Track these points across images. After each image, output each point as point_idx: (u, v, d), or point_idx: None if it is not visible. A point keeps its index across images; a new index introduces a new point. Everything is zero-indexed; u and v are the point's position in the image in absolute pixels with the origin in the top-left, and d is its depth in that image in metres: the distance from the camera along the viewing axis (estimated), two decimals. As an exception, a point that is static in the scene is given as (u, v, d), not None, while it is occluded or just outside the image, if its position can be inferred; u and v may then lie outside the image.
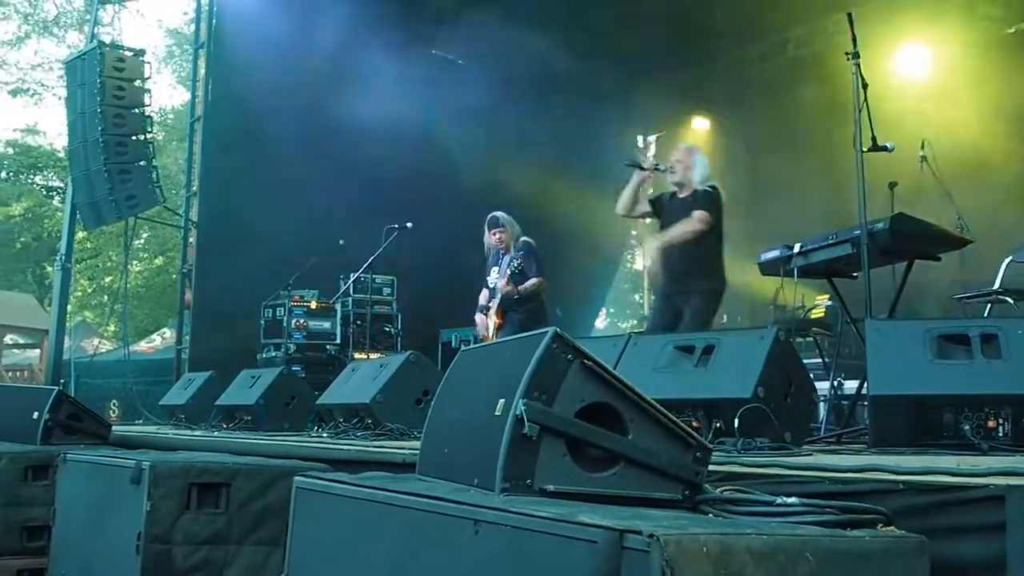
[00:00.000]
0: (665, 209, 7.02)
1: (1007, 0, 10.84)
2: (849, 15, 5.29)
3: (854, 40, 5.22)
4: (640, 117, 15.17)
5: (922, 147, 7.32)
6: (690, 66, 13.92)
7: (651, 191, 7.49)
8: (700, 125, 15.16)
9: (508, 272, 7.71)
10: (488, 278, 8.21)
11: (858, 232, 4.99)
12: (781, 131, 13.09)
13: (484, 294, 8.25)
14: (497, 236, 8.04)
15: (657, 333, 6.15)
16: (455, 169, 12.76)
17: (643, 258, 7.19)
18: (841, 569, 1.82)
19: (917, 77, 11.37)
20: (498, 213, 8.15)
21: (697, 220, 6.61)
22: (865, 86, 5.18)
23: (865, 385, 4.21)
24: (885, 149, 5.22)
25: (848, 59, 5.24)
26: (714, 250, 6.81)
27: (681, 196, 6.88)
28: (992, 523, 2.20)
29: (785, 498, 2.13)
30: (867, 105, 5.16)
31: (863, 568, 1.87)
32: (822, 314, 8.96)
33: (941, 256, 5.44)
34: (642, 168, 6.95)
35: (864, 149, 5.14)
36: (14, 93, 27.35)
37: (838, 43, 8.00)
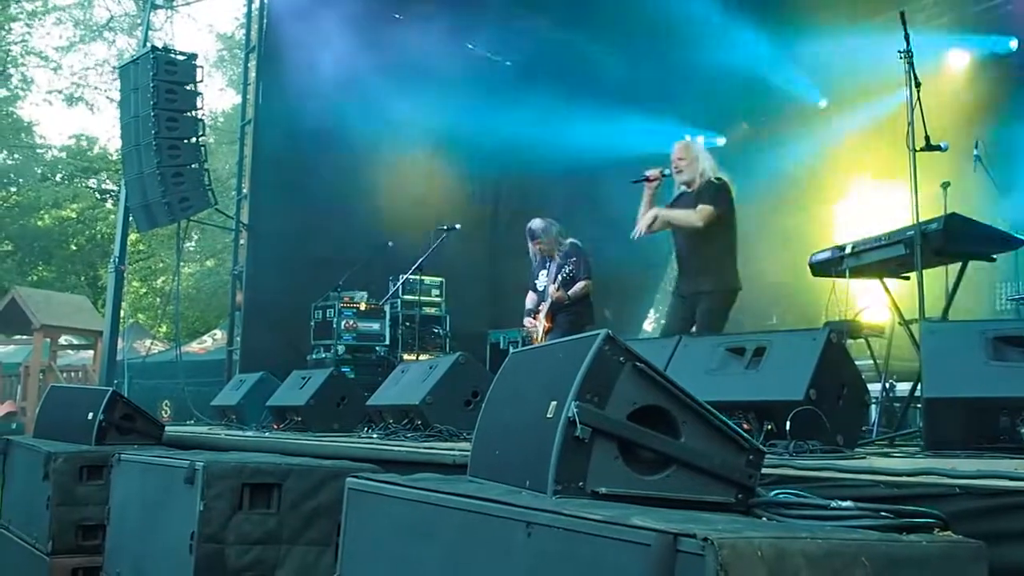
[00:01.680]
0: (675, 208, 6.87)
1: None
2: (902, 13, 5.23)
3: (907, 38, 5.17)
4: (691, 118, 15.12)
5: (976, 146, 7.22)
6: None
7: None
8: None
9: (559, 279, 7.71)
10: (536, 281, 8.21)
11: (911, 232, 4.93)
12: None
13: (531, 297, 8.25)
14: (537, 247, 8.08)
15: (671, 335, 6.12)
16: (503, 170, 12.79)
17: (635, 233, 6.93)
18: (898, 574, 1.80)
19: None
20: (533, 224, 8.15)
21: (698, 214, 6.47)
22: (918, 85, 5.12)
23: (918, 387, 4.17)
24: (939, 148, 5.16)
25: (900, 57, 5.19)
26: (726, 248, 6.65)
27: (689, 191, 6.73)
28: (1051, 528, 2.17)
29: (839, 502, 2.12)
30: (920, 104, 5.10)
31: (920, 573, 1.85)
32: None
33: (995, 257, 5.36)
34: (649, 180, 6.81)
35: (917, 148, 5.08)
36: (68, 99, 27.77)
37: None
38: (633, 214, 6.74)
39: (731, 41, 11.97)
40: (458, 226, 9.22)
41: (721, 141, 15.57)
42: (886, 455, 3.79)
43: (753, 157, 14.10)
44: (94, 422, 5.58)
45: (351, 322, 10.07)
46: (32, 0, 26.51)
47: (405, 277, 9.98)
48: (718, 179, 6.59)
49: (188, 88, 10.52)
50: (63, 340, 15.67)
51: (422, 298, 10.59)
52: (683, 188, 6.78)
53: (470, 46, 13.06)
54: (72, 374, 14.78)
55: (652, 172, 6.84)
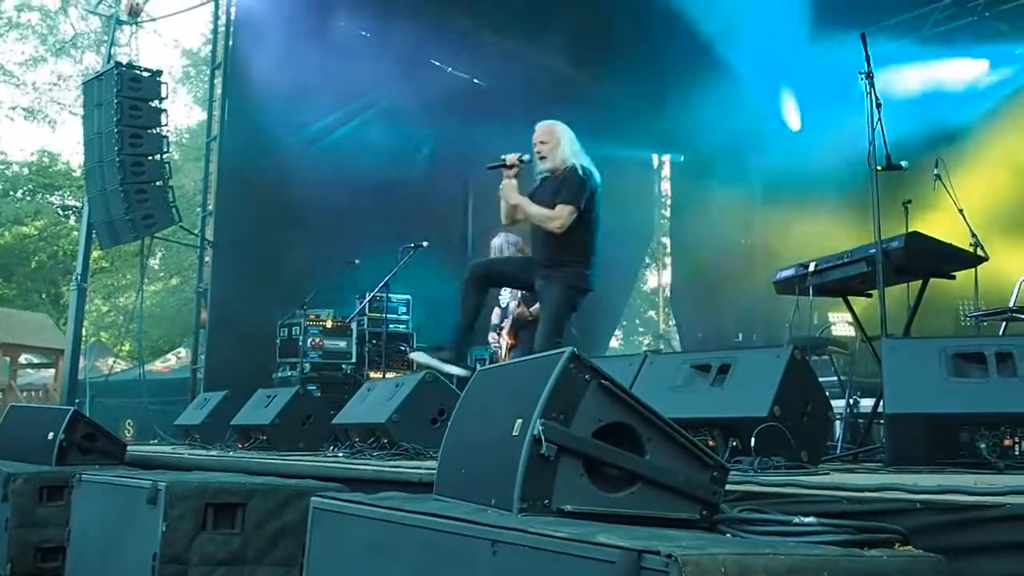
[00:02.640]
0: (536, 197, 6.18)
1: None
2: (862, 35, 5.30)
3: (867, 59, 5.23)
4: (658, 137, 15.24)
5: (936, 165, 7.30)
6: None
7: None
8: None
9: (520, 295, 7.71)
10: (500, 297, 8.23)
11: (873, 250, 4.98)
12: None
13: (496, 312, 8.27)
14: None
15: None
16: (470, 187, 12.81)
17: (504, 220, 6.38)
18: (859, 589, 1.82)
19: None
20: (492, 242, 8.17)
21: (556, 218, 5.87)
22: (879, 105, 5.18)
23: (881, 403, 4.21)
24: (899, 168, 5.22)
25: (861, 78, 5.25)
26: (583, 239, 6.06)
27: (552, 178, 6.11)
28: (1010, 542, 2.19)
29: (802, 517, 2.14)
30: (881, 124, 5.16)
31: (881, 588, 1.87)
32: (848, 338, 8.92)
33: (956, 274, 5.43)
34: (507, 166, 6.18)
35: (878, 168, 5.14)
36: (31, 114, 27.56)
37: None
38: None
39: (705, 62, 12.09)
40: (425, 244, 9.20)
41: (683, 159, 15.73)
42: (850, 471, 3.82)
43: (721, 175, 14.23)
44: (55, 442, 5.50)
45: (317, 340, 10.03)
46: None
47: (372, 294, 9.96)
48: (583, 169, 5.98)
49: (153, 104, 10.46)
50: (23, 359, 15.48)
51: (389, 315, 10.57)
52: (546, 174, 6.19)
53: (437, 64, 13.09)
54: (33, 393, 14.60)
55: (510, 157, 6.22)
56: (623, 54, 12.29)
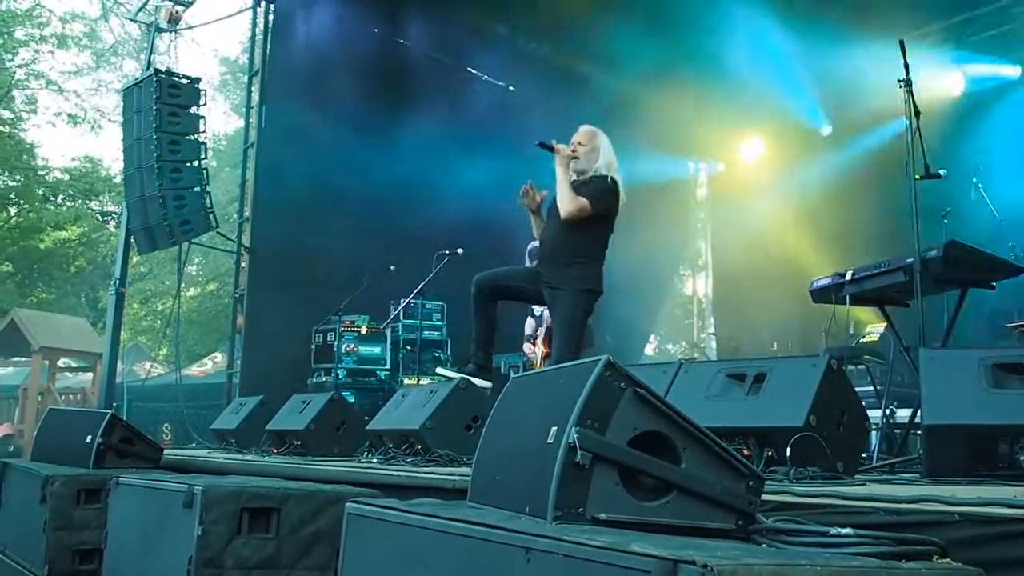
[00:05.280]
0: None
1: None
2: (901, 42, 5.25)
3: (906, 67, 5.18)
4: (693, 144, 15.21)
5: (974, 174, 7.25)
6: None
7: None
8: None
9: None
10: (533, 307, 8.19)
11: (910, 260, 4.94)
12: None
13: (530, 322, 8.23)
14: None
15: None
16: (508, 193, 12.82)
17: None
18: (897, 602, 1.80)
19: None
20: (530, 247, 8.13)
21: (575, 204, 5.80)
22: (918, 113, 5.14)
23: (918, 414, 4.17)
24: (938, 176, 5.17)
25: (900, 86, 5.21)
26: (595, 245, 5.98)
27: (577, 182, 6.04)
28: (1050, 556, 2.17)
29: (839, 529, 2.12)
30: (919, 132, 5.12)
31: (919, 601, 1.85)
32: (875, 341, 8.82)
33: (995, 284, 5.37)
34: (553, 150, 6.04)
35: (916, 176, 5.09)
36: (73, 121, 27.87)
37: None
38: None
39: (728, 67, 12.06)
40: (460, 250, 9.20)
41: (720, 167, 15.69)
42: (886, 482, 3.78)
43: (756, 183, 14.18)
44: (92, 445, 5.57)
45: (352, 346, 10.06)
46: (39, 27, 26.59)
47: (407, 301, 9.98)
48: (611, 179, 5.93)
49: (191, 111, 10.57)
50: (62, 362, 15.64)
51: (423, 322, 10.59)
52: (573, 176, 6.06)
53: (472, 71, 13.14)
54: (71, 396, 14.75)
55: (559, 145, 6.06)
56: (654, 63, 12.27)
